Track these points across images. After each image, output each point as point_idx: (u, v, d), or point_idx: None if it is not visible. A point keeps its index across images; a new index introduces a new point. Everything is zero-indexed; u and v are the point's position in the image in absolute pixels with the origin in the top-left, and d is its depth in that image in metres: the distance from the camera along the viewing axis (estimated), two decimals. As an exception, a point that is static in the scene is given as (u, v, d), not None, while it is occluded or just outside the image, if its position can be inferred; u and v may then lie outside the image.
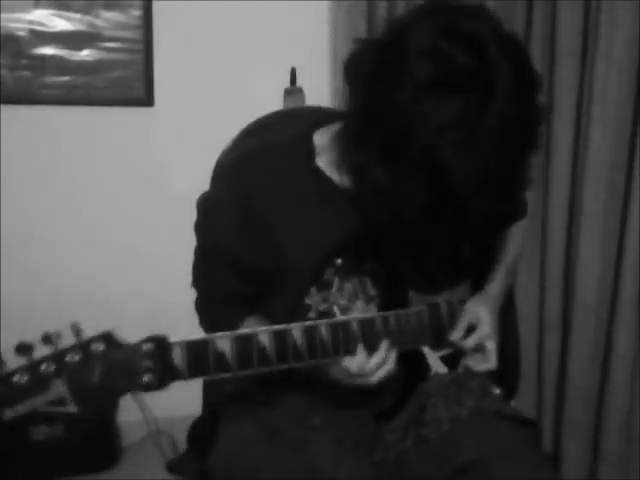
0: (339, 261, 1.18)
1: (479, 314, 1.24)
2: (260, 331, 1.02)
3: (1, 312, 2.13)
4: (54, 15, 2.17)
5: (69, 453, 2.19)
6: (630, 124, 2.15)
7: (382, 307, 1.20)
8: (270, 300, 1.19)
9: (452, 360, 1.24)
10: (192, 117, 2.27)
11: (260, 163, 1.15)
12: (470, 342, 1.22)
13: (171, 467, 2.23)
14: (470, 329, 1.23)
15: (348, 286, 1.20)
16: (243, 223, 1.14)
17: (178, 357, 0.96)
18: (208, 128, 2.02)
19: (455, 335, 1.22)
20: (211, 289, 1.23)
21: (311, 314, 1.17)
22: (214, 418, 1.24)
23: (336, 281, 1.19)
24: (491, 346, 1.23)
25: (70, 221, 2.29)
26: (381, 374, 1.10)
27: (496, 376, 1.25)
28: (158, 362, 0.94)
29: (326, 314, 1.17)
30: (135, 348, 0.93)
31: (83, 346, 0.89)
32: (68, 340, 0.89)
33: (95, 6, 2.19)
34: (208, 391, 1.41)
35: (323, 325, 1.06)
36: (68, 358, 0.88)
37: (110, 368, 0.90)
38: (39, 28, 2.17)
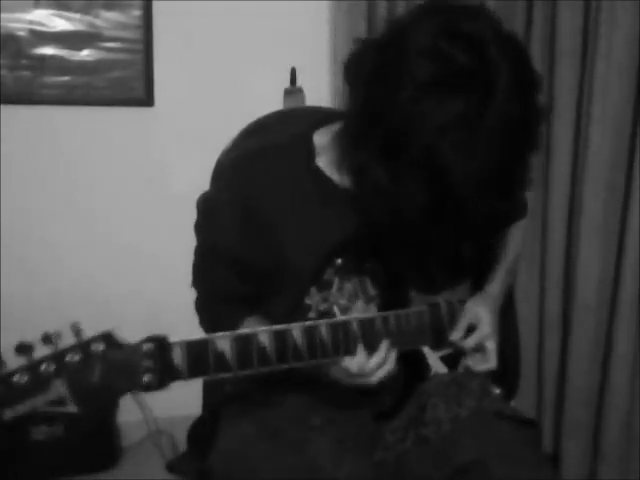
0: (339, 261, 1.18)
1: (479, 314, 1.24)
2: (260, 331, 1.02)
3: (1, 312, 2.13)
4: (54, 15, 2.17)
5: (69, 453, 2.19)
6: (630, 124, 2.15)
7: (382, 307, 1.20)
8: (270, 300, 1.19)
9: (452, 360, 1.24)
10: (192, 117, 2.27)
11: (260, 163, 1.15)
12: (470, 342, 1.22)
13: (171, 467, 2.23)
14: (470, 329, 1.23)
15: (348, 286, 1.20)
16: (243, 223, 1.14)
17: (178, 357, 0.96)
18: (208, 128, 2.02)
19: (455, 335, 1.22)
20: (211, 289, 1.23)
21: (311, 314, 1.17)
22: (214, 418, 1.24)
23: (336, 281, 1.19)
24: (491, 346, 1.23)
25: (70, 221, 2.29)
26: (381, 374, 1.10)
27: (496, 376, 1.25)
28: (158, 362, 0.94)
29: (326, 314, 1.17)
30: (135, 348, 0.93)
31: (83, 346, 0.89)
32: (68, 340, 0.89)
33: (95, 6, 2.19)
34: (208, 391, 1.41)
35: (323, 325, 1.06)
36: (68, 358, 0.88)
37: (110, 368, 0.90)
38: (39, 28, 2.17)
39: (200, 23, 2.23)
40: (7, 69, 2.15)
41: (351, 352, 1.08)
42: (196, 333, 1.05)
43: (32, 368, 0.87)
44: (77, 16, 2.18)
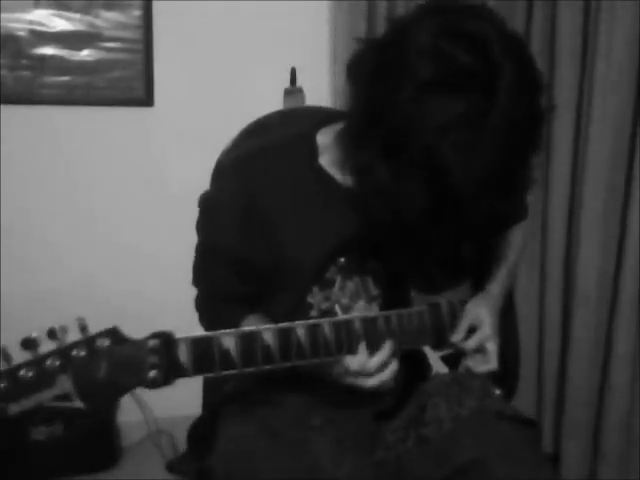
0: (342, 260, 1.18)
1: (480, 315, 1.24)
2: (264, 329, 1.02)
3: (1, 312, 2.13)
4: (54, 15, 2.17)
5: (69, 453, 2.19)
6: (630, 124, 2.15)
7: (384, 307, 1.20)
8: (272, 298, 1.19)
9: (453, 360, 1.24)
10: (192, 117, 2.27)
11: (260, 163, 1.15)
12: (471, 343, 1.22)
13: (171, 467, 2.23)
14: (471, 330, 1.23)
15: (350, 285, 1.20)
16: (243, 223, 1.14)
17: (183, 354, 0.96)
18: (208, 128, 2.02)
19: (456, 336, 1.22)
20: (211, 288, 1.23)
21: (313, 313, 1.17)
22: (214, 418, 1.24)
23: (338, 280, 1.19)
24: (492, 347, 1.23)
25: (70, 221, 2.29)
26: (384, 377, 1.10)
27: (496, 377, 1.25)
28: (164, 358, 0.94)
29: (328, 313, 1.17)
30: (141, 344, 0.93)
31: (89, 342, 0.89)
32: (70, 338, 0.89)
33: (95, 6, 2.19)
34: (208, 391, 1.41)
35: (326, 323, 1.06)
36: (74, 353, 0.88)
37: (116, 364, 0.90)
38: (39, 28, 2.16)
39: (200, 23, 2.23)
40: (7, 69, 2.15)
41: (353, 351, 1.08)
42: (196, 333, 1.05)
43: (38, 363, 0.87)
44: (77, 16, 2.18)
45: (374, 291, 1.21)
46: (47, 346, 0.87)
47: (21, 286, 2.22)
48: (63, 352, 0.88)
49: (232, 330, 1.00)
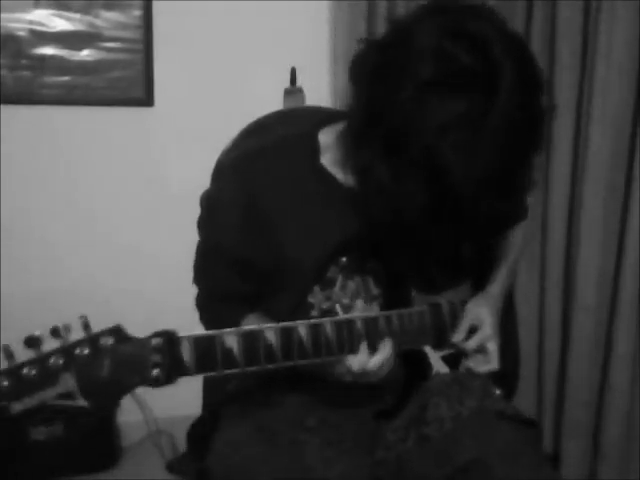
0: (344, 259, 1.18)
1: (481, 315, 1.24)
2: (266, 328, 1.02)
3: (1, 312, 2.13)
4: (54, 15, 2.17)
5: (69, 453, 2.19)
6: (630, 124, 2.15)
7: (385, 306, 1.20)
8: (272, 298, 1.19)
9: (453, 360, 1.24)
10: (192, 117, 2.27)
11: (260, 163, 1.15)
12: (472, 344, 1.22)
13: (171, 467, 2.23)
14: (472, 330, 1.23)
15: (351, 285, 1.20)
16: (244, 223, 1.14)
17: (186, 352, 0.96)
18: (208, 128, 2.02)
19: (457, 336, 1.22)
20: (212, 287, 1.23)
21: (313, 312, 1.17)
22: (214, 418, 1.24)
23: (339, 279, 1.19)
24: (492, 347, 1.23)
25: (70, 221, 2.29)
26: (381, 373, 1.10)
27: (496, 377, 1.25)
28: (167, 357, 0.94)
29: (328, 312, 1.17)
30: (144, 342, 0.93)
31: (92, 340, 0.89)
32: (72, 336, 0.89)
33: (95, 6, 2.19)
34: (208, 391, 1.41)
35: (328, 323, 1.06)
36: (77, 352, 0.88)
37: (119, 362, 0.90)
38: (39, 28, 2.16)
39: (200, 23, 2.23)
40: (7, 69, 2.15)
41: (354, 350, 1.08)
42: (197, 332, 1.05)
43: (41, 361, 0.86)
44: (77, 16, 2.18)
45: (375, 291, 1.21)
46: (50, 344, 0.87)
47: (21, 286, 2.22)
48: (66, 350, 0.87)
49: (234, 329, 1.00)
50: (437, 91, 0.92)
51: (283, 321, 1.04)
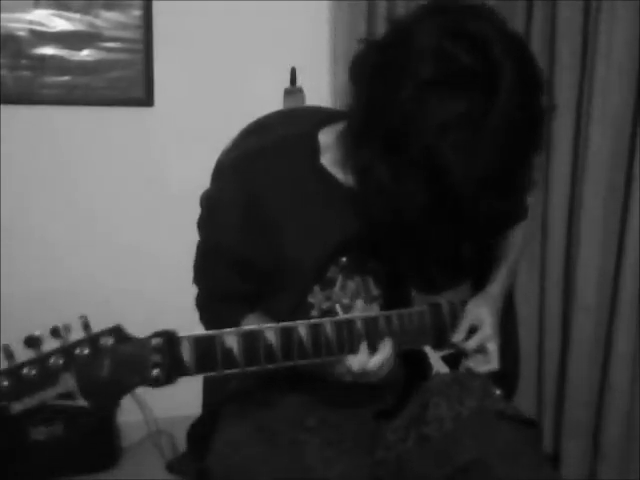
0: (344, 259, 1.18)
1: (481, 315, 1.24)
2: (266, 327, 1.02)
3: (1, 312, 2.13)
4: (54, 15, 2.17)
5: (69, 453, 2.19)
6: (630, 124, 2.15)
7: (385, 307, 1.20)
8: (272, 298, 1.19)
9: (453, 360, 1.24)
10: (192, 117, 2.27)
11: (260, 163, 1.15)
12: (472, 344, 1.22)
13: (171, 467, 2.23)
14: (472, 330, 1.23)
15: (351, 285, 1.20)
16: (244, 223, 1.14)
17: (186, 352, 0.96)
18: (208, 128, 2.02)
19: (457, 337, 1.22)
20: (212, 287, 1.23)
21: (313, 312, 1.17)
22: (214, 418, 1.24)
23: (339, 279, 1.19)
24: (493, 348, 1.23)
25: (70, 221, 2.29)
26: (381, 373, 1.10)
27: (496, 377, 1.25)
28: (167, 357, 0.94)
29: (328, 312, 1.17)
30: (144, 342, 0.93)
31: (92, 340, 0.89)
32: (72, 336, 0.89)
33: (95, 6, 2.19)
34: (208, 391, 1.41)
35: (328, 323, 1.07)
36: (77, 352, 0.88)
37: (119, 362, 0.90)
38: (39, 28, 2.16)
39: (200, 23, 2.23)
40: (7, 69, 2.15)
41: (355, 350, 1.08)
42: (197, 332, 1.05)
43: (41, 361, 0.86)
44: (77, 16, 2.18)
45: (375, 291, 1.21)
46: (50, 344, 0.87)
47: (21, 286, 2.22)
48: (66, 350, 0.87)
49: (234, 329, 1.00)
50: (437, 91, 0.92)
51: (283, 321, 1.04)
